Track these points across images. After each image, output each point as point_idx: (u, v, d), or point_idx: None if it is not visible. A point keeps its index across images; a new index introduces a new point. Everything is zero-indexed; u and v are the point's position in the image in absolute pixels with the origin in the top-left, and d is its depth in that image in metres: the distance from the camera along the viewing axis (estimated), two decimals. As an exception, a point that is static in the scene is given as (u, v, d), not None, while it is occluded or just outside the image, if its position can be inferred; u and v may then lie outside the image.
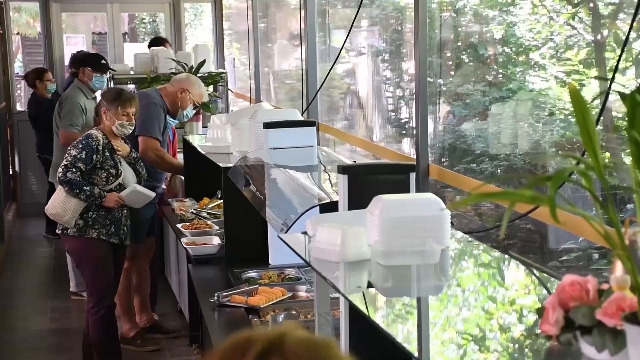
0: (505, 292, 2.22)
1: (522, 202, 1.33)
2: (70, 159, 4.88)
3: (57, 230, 5.18)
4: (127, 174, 5.06)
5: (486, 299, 2.15)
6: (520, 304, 2.09)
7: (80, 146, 4.90)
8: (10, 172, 10.18)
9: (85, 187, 4.87)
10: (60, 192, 4.98)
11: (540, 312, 1.45)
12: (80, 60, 7.14)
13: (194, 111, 6.02)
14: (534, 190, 1.34)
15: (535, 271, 2.29)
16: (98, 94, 6.61)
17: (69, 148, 4.99)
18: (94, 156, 4.89)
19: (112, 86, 7.23)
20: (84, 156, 4.87)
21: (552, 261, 5.23)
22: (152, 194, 5.13)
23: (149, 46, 9.14)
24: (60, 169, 4.91)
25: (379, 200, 2.15)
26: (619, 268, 1.40)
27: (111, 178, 4.97)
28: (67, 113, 6.52)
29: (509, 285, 2.27)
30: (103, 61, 6.89)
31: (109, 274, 5.10)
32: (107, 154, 4.95)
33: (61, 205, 4.96)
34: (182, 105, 5.79)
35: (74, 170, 4.86)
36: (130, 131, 5.07)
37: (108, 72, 6.97)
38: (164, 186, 6.03)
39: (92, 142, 4.92)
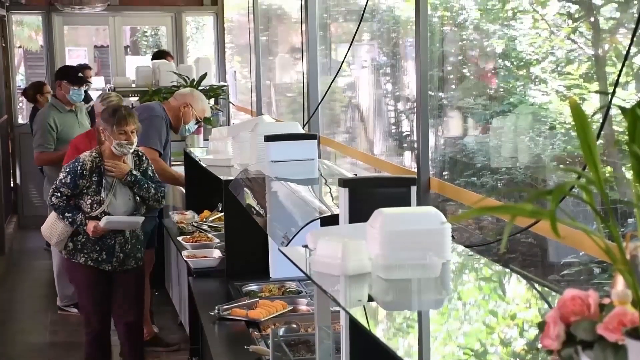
0: (506, 306, 2.22)
1: (522, 216, 1.33)
2: (57, 183, 4.76)
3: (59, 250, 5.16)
4: (119, 200, 4.81)
5: (487, 312, 2.14)
6: (521, 318, 2.08)
7: (67, 169, 4.75)
8: (12, 185, 10.19)
9: (67, 214, 4.73)
10: (52, 214, 4.90)
11: (542, 326, 1.44)
12: (57, 73, 7.12)
13: (196, 126, 6.06)
14: (534, 204, 1.34)
15: (536, 285, 2.29)
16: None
17: (60, 170, 4.87)
18: (79, 181, 4.71)
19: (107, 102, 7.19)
20: (68, 181, 4.71)
21: (553, 275, 5.22)
22: (136, 220, 4.84)
23: (153, 59, 9.17)
24: (49, 192, 4.83)
25: (379, 213, 2.15)
26: (620, 283, 1.40)
27: (95, 205, 4.75)
28: (35, 134, 6.64)
29: (510, 299, 2.27)
30: (80, 74, 6.94)
31: (96, 301, 4.89)
32: (94, 178, 4.73)
33: (49, 228, 4.90)
34: (184, 119, 5.84)
35: (58, 195, 4.73)
36: (131, 150, 4.84)
37: (85, 85, 7.00)
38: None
39: (78, 166, 4.72)
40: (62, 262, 5.08)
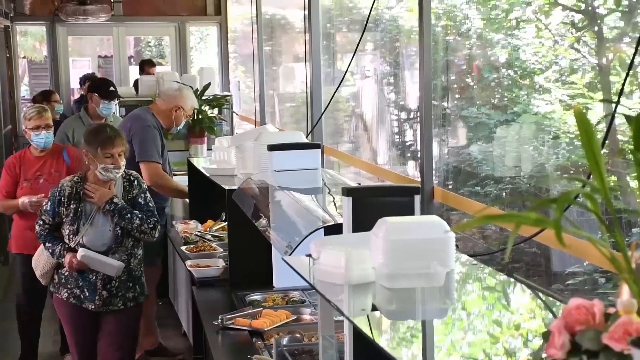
0: (510, 316, 2.21)
1: (527, 224, 1.32)
2: (41, 210, 4.41)
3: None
4: (96, 230, 4.30)
5: (491, 322, 2.13)
6: (525, 328, 2.07)
7: (50, 197, 4.37)
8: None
9: (48, 244, 4.34)
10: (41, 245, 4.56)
11: (547, 335, 1.43)
12: (89, 85, 6.99)
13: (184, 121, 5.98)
14: (538, 213, 1.33)
15: (540, 295, 2.28)
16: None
17: None
18: (59, 209, 4.29)
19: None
20: (48, 208, 4.33)
21: (557, 284, 5.21)
22: (114, 263, 4.27)
23: (140, 67, 9.33)
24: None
25: (383, 222, 2.14)
26: (625, 292, 1.39)
27: (71, 235, 4.29)
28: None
29: (515, 309, 2.26)
30: (112, 88, 6.64)
31: (79, 341, 4.45)
32: (72, 206, 4.28)
33: (36, 258, 4.54)
34: (176, 122, 5.74)
35: (40, 222, 4.35)
36: (118, 174, 4.31)
37: (116, 99, 6.74)
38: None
39: (57, 192, 4.31)
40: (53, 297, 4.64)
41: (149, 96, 8.18)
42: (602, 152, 1.42)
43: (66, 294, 4.39)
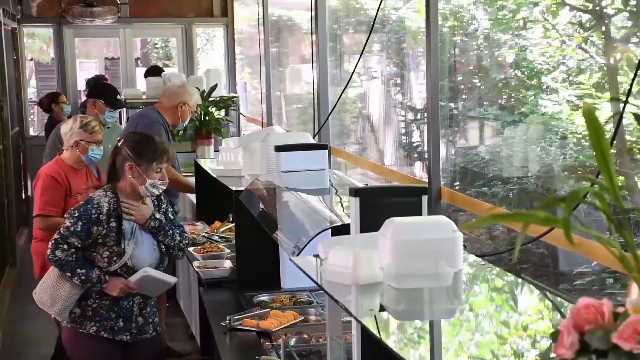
0: (518, 317, 2.20)
1: (535, 223, 1.32)
2: (62, 232, 3.75)
3: (52, 316, 4.08)
4: (143, 249, 3.89)
5: (499, 324, 2.13)
6: (533, 329, 2.07)
7: (77, 215, 3.76)
8: (23, 197, 10.22)
9: (80, 270, 3.74)
10: (50, 275, 3.89)
11: (555, 335, 1.43)
12: (93, 90, 6.63)
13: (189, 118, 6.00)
14: (547, 212, 1.32)
15: (548, 295, 2.27)
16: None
17: (65, 216, 3.89)
18: (94, 228, 3.75)
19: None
20: (79, 229, 3.74)
21: (565, 284, 5.20)
22: (172, 280, 4.05)
23: (145, 76, 9.25)
24: (49, 244, 3.80)
25: (391, 222, 2.14)
26: (634, 291, 1.38)
27: (114, 258, 3.79)
28: (48, 147, 6.04)
29: (522, 310, 2.25)
30: (119, 96, 6.43)
31: None
32: (112, 224, 3.79)
33: (50, 291, 3.86)
34: (182, 118, 5.78)
35: (65, 247, 3.74)
36: (162, 191, 3.97)
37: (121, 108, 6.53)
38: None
39: (92, 210, 3.76)
40: (64, 332, 4.01)
41: (155, 97, 8.18)
42: (610, 151, 1.42)
43: (94, 328, 3.84)
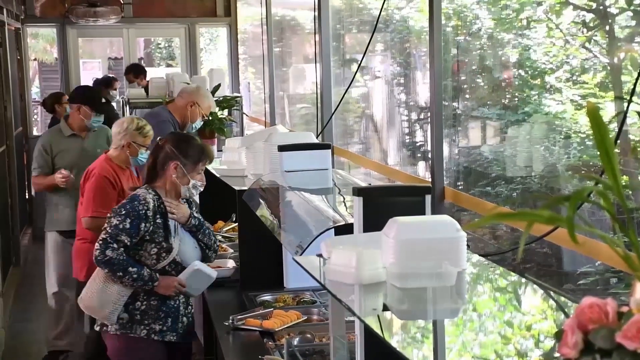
0: (522, 317, 2.20)
1: (539, 222, 1.31)
2: (110, 231, 3.69)
3: (95, 326, 4.00)
4: (187, 247, 3.88)
5: (502, 324, 2.12)
6: (537, 329, 2.06)
7: (124, 212, 3.71)
8: (27, 196, 10.23)
9: (131, 269, 3.67)
10: (96, 278, 3.81)
11: (559, 335, 1.42)
12: (76, 96, 6.07)
13: (202, 123, 6.01)
14: (551, 211, 1.32)
15: (552, 294, 2.27)
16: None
17: (109, 215, 3.78)
18: (142, 225, 3.71)
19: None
20: (128, 226, 3.69)
21: (569, 284, 5.19)
22: (214, 274, 3.97)
23: (125, 73, 9.30)
24: (97, 245, 3.73)
25: (394, 222, 2.14)
26: (639, 290, 1.38)
27: (163, 254, 3.78)
28: (33, 159, 5.85)
29: (526, 311, 2.25)
30: (103, 100, 6.19)
31: None
32: (158, 220, 3.76)
33: (98, 295, 3.76)
34: (191, 118, 5.81)
35: (115, 246, 3.66)
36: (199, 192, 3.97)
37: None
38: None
39: (139, 206, 3.72)
40: (111, 341, 3.87)
41: (159, 97, 8.19)
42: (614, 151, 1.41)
43: (145, 331, 3.78)
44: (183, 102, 5.83)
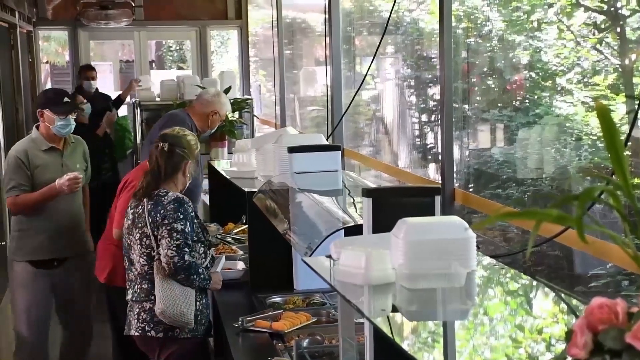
0: (533, 320, 2.19)
1: (548, 221, 1.31)
2: (180, 237, 3.74)
3: (146, 332, 3.88)
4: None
5: (514, 328, 2.11)
6: (548, 333, 2.05)
7: (182, 217, 3.78)
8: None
9: (200, 270, 3.81)
10: (170, 285, 3.80)
11: (569, 335, 1.42)
12: (39, 100, 5.23)
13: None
14: (561, 212, 1.31)
15: (563, 296, 2.25)
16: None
17: (166, 222, 3.78)
18: (195, 225, 3.87)
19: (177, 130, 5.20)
20: (189, 229, 3.79)
21: (580, 287, 5.17)
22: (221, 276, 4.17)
23: (79, 73, 9.28)
24: (171, 252, 3.73)
25: (403, 223, 2.13)
26: (649, 290, 1.37)
27: (207, 251, 3.94)
28: (5, 175, 4.98)
29: (537, 314, 2.24)
30: (67, 99, 5.01)
31: None
32: (196, 220, 3.90)
33: (183, 299, 3.79)
34: (211, 126, 5.84)
35: (187, 250, 3.75)
36: None
37: (74, 113, 5.02)
38: None
39: (189, 208, 3.83)
40: (184, 346, 3.90)
41: (169, 100, 8.21)
42: (625, 153, 1.40)
43: (203, 330, 3.97)
44: (203, 110, 5.80)
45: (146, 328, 3.88)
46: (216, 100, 5.90)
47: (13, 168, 4.83)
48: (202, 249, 3.88)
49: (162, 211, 3.82)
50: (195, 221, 3.87)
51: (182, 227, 3.76)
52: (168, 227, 3.76)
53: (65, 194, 4.82)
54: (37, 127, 4.98)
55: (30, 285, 4.98)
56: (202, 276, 3.81)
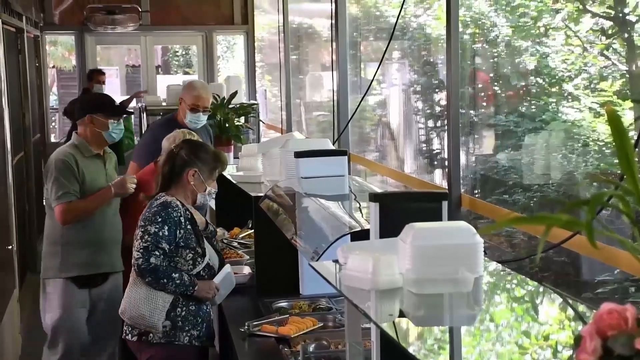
0: (540, 327, 2.18)
1: (557, 226, 1.30)
2: (150, 239, 3.69)
3: (129, 337, 3.85)
4: (212, 252, 3.95)
5: (520, 333, 2.11)
6: (555, 339, 2.04)
7: (160, 220, 3.71)
8: (44, 203, 10.26)
9: (174, 274, 3.70)
10: (137, 287, 3.79)
11: (578, 340, 1.41)
12: (80, 106, 4.85)
13: (205, 116, 5.70)
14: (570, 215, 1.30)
15: (570, 301, 2.25)
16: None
17: (142, 223, 3.75)
18: (178, 231, 3.74)
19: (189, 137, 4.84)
20: (166, 233, 3.70)
21: (587, 293, 5.16)
22: (234, 281, 4.10)
23: (89, 77, 9.30)
24: (137, 254, 3.70)
25: (410, 228, 2.13)
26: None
27: (198, 259, 3.82)
28: (52, 182, 4.54)
29: (544, 321, 2.23)
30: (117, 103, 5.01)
31: None
32: (189, 226, 3.79)
33: (146, 302, 3.76)
34: (183, 114, 5.52)
35: (157, 253, 3.68)
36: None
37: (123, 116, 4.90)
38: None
39: (174, 213, 3.74)
40: (157, 351, 3.81)
41: (175, 105, 8.21)
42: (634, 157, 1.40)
43: (187, 337, 3.81)
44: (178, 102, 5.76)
45: (126, 331, 3.88)
46: (182, 88, 5.84)
47: (64, 173, 4.49)
48: (190, 255, 3.78)
49: (147, 214, 3.79)
50: (188, 227, 3.78)
51: (157, 230, 3.69)
52: (142, 230, 3.73)
53: (119, 196, 4.63)
54: (77, 133, 4.69)
55: (70, 305, 4.63)
56: (177, 282, 3.70)
